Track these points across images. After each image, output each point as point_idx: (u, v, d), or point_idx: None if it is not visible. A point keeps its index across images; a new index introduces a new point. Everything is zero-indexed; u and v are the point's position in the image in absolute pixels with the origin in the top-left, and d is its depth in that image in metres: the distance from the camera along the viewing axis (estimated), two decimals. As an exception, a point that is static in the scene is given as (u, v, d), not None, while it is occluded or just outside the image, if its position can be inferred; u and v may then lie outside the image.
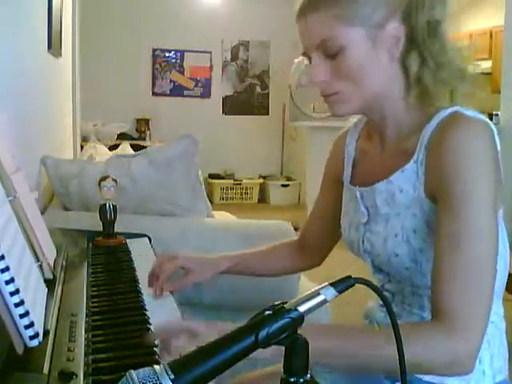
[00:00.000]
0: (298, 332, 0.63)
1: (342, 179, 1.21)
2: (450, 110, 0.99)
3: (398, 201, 1.03)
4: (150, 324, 1.00)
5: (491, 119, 5.57)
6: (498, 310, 1.07)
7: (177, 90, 7.44)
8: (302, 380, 0.62)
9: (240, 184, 7.36)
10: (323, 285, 0.65)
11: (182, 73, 7.44)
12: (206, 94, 7.55)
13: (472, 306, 0.88)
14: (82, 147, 4.58)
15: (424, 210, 1.00)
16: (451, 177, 0.93)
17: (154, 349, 0.88)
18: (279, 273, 1.41)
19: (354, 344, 0.89)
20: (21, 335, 0.76)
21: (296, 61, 6.14)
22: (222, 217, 3.04)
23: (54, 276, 1.08)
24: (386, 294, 1.11)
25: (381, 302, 1.18)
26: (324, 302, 0.64)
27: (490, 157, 0.94)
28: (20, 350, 0.75)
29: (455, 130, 0.95)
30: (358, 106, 1.05)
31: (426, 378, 1.03)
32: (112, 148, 4.10)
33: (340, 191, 1.22)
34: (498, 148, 0.99)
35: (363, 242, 1.12)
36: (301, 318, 0.62)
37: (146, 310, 1.07)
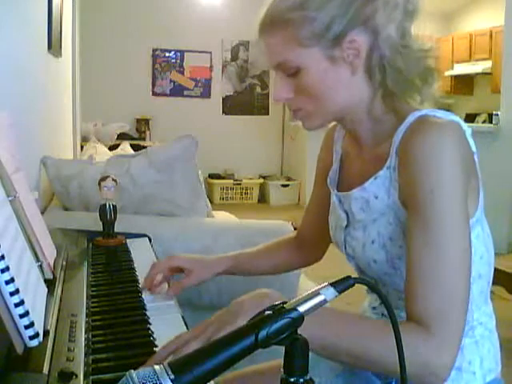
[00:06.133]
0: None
1: None
2: (419, 113, 0.96)
3: (373, 207, 1.02)
4: (149, 324, 0.99)
5: (491, 119, 5.57)
6: (486, 310, 1.06)
7: (177, 90, 7.44)
8: (301, 380, 0.62)
9: (240, 184, 7.36)
10: (323, 285, 0.65)
11: (182, 73, 7.44)
12: (205, 94, 7.55)
13: (447, 314, 0.85)
14: (82, 147, 4.58)
15: (398, 217, 0.98)
16: (418, 186, 0.91)
17: (154, 349, 0.88)
18: (278, 271, 1.39)
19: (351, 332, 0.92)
20: (21, 335, 0.76)
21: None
22: (222, 217, 3.04)
23: (54, 276, 1.08)
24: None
25: (372, 304, 1.18)
26: (324, 302, 0.64)
27: (458, 160, 0.90)
28: (20, 350, 0.75)
29: (420, 136, 0.91)
30: (325, 121, 1.06)
31: None
32: (112, 148, 4.10)
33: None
34: (473, 148, 0.97)
35: (345, 246, 1.11)
36: (301, 318, 0.62)
37: (145, 309, 1.07)
